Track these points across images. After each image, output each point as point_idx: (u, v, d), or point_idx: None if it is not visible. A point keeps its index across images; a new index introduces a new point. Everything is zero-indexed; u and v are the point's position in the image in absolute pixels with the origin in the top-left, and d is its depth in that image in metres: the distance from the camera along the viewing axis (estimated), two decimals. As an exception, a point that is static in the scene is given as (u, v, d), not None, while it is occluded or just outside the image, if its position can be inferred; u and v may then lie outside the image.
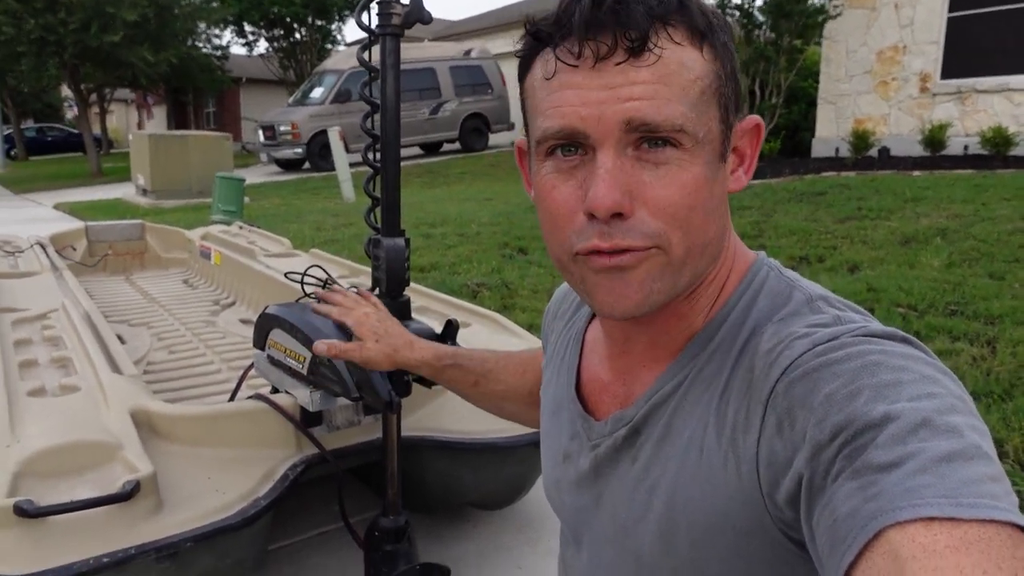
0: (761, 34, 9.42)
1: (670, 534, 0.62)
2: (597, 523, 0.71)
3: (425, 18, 1.33)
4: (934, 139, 8.76)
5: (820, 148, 10.31)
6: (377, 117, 1.44)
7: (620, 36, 0.55)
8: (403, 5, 1.33)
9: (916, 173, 7.89)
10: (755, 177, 8.51)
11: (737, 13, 9.36)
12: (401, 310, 1.45)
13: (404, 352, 1.04)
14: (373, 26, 1.39)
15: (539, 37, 0.60)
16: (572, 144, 0.58)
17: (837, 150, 9.82)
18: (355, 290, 1.22)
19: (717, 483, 0.58)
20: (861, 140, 9.15)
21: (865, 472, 0.44)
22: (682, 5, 0.57)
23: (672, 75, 0.56)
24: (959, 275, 4.19)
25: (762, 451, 0.54)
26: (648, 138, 0.56)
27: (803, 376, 0.52)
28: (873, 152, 9.20)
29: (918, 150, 9.06)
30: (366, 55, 1.45)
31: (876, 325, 0.56)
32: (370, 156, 1.51)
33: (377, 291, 1.48)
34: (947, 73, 9.26)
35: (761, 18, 9.39)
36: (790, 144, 11.98)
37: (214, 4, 18.93)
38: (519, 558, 1.99)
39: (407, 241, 1.44)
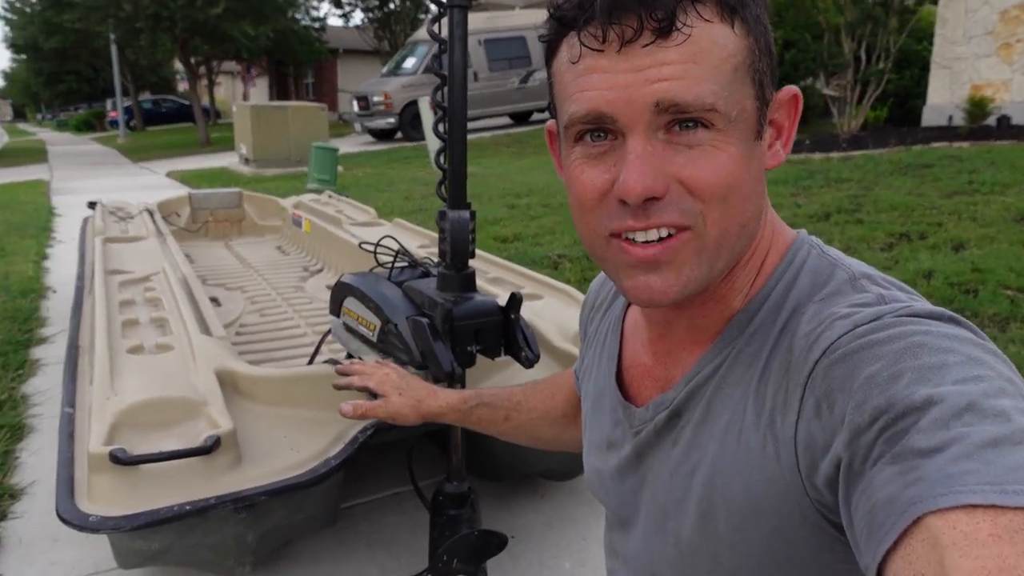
0: (871, -7, 8.83)
1: (709, 517, 0.62)
2: (642, 507, 0.72)
3: (492, -9, 1.33)
4: (1063, 106, 8.03)
5: (931, 116, 9.64)
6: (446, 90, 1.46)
7: (646, 18, 0.53)
8: (471, -22, 1.33)
9: (1040, 144, 7.27)
10: (856, 147, 8.08)
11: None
12: (465, 282, 1.48)
13: (428, 402, 1.07)
14: None
15: (563, 21, 0.58)
16: (600, 129, 0.57)
17: (950, 118, 9.15)
18: (376, 360, 1.32)
19: (755, 466, 0.58)
20: (978, 108, 8.49)
21: (906, 457, 0.43)
22: None
23: (703, 53, 0.54)
24: (1080, 256, 3.86)
25: (800, 434, 0.53)
26: (679, 120, 0.55)
27: (843, 358, 0.51)
28: (991, 121, 8.52)
29: (1044, 119, 8.33)
30: (436, 27, 1.47)
31: (922, 304, 0.54)
32: (441, 128, 1.53)
33: (443, 264, 1.50)
34: (1082, 33, 8.44)
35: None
36: (900, 112, 11.22)
37: None
38: (584, 530, 2.01)
39: (472, 213, 1.46)
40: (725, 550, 0.61)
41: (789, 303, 0.61)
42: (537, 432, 1.04)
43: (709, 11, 0.54)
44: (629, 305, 0.80)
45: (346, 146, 13.52)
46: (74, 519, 1.30)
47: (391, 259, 1.77)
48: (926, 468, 0.42)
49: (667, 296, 0.59)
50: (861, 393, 0.48)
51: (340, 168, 9.37)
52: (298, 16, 20.30)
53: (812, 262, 0.63)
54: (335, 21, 23.09)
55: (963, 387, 0.45)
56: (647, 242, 0.57)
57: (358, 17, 22.66)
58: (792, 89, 0.63)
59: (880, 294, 0.56)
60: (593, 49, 0.55)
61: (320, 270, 3.57)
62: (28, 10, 21.34)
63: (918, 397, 0.45)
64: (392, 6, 21.93)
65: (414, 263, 1.79)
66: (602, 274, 0.89)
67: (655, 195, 0.55)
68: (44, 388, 3.05)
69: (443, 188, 1.56)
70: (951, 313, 0.52)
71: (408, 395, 1.09)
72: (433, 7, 1.44)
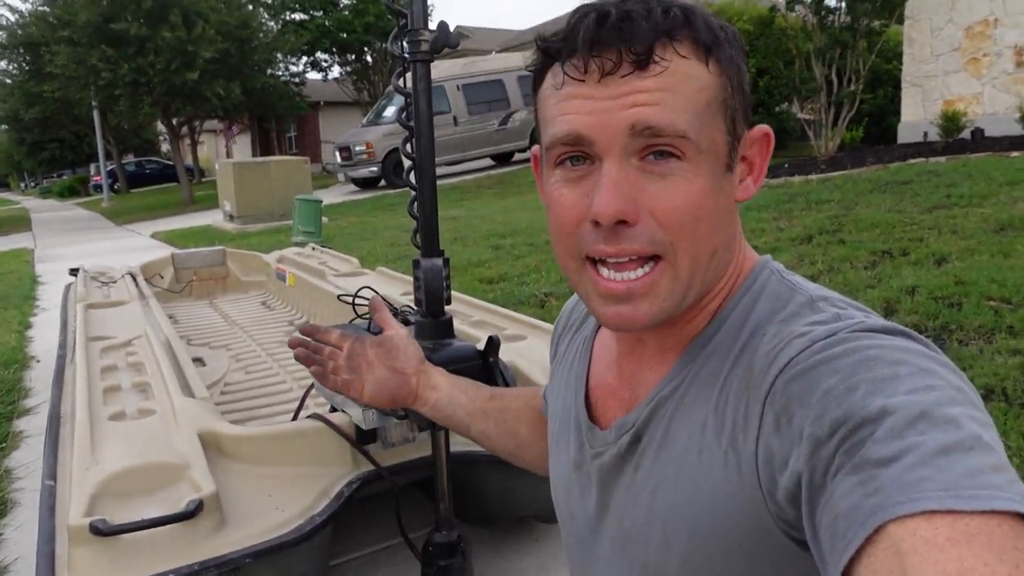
0: (836, 19, 9.05)
1: (673, 538, 0.62)
2: (605, 533, 0.72)
3: (452, 43, 1.35)
4: (1032, 116, 8.20)
5: (907, 134, 9.82)
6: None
7: (625, 52, 0.57)
8: (431, 32, 1.36)
9: (1014, 154, 7.39)
10: (835, 168, 8.20)
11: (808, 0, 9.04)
12: (442, 329, 1.47)
13: (428, 365, 1.03)
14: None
15: (549, 53, 0.62)
16: (580, 154, 0.60)
17: (925, 135, 9.32)
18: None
19: (717, 483, 0.58)
20: (951, 122, 8.66)
21: (864, 467, 0.44)
22: (688, 20, 0.59)
23: (678, 84, 0.57)
24: (1059, 262, 3.90)
25: (761, 449, 0.54)
26: (653, 149, 0.58)
27: (801, 373, 0.52)
28: (966, 135, 8.69)
29: (1016, 129, 8.50)
30: (401, 82, 1.49)
31: (875, 320, 0.56)
32: (412, 178, 1.55)
33: (419, 312, 1.50)
34: (1045, 44, 8.66)
35: (834, 2, 9.02)
36: (876, 131, 11.41)
37: (289, 37, 19.69)
38: (580, 571, 1.97)
39: (446, 261, 1.47)
40: (688, 570, 0.61)
41: (749, 325, 0.63)
42: (516, 428, 0.98)
43: (685, 48, 0.58)
44: (600, 326, 0.81)
45: (330, 196, 13.60)
46: (53, 596, 1.27)
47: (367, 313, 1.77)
48: (884, 477, 0.43)
49: (640, 323, 0.61)
50: (820, 406, 0.49)
51: (325, 219, 9.41)
52: (277, 73, 20.56)
53: (773, 286, 0.65)
54: (315, 75, 23.37)
55: (915, 396, 0.46)
56: (619, 264, 0.60)
57: (336, 71, 22.98)
58: (764, 128, 0.66)
59: (836, 313, 0.58)
60: (575, 79, 0.59)
61: (306, 323, 3.56)
62: (9, 81, 21.55)
63: (873, 408, 0.46)
64: (369, 59, 22.29)
65: (393, 312, 1.79)
66: (575, 295, 0.91)
67: (625, 218, 0.58)
68: (27, 461, 3.00)
69: (417, 236, 1.57)
70: (903, 328, 0.54)
71: (416, 346, 1.03)
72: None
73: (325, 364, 1.04)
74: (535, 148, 0.72)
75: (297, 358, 1.07)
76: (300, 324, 3.56)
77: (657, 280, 0.60)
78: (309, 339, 1.07)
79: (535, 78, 0.65)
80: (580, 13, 0.59)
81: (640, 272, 0.60)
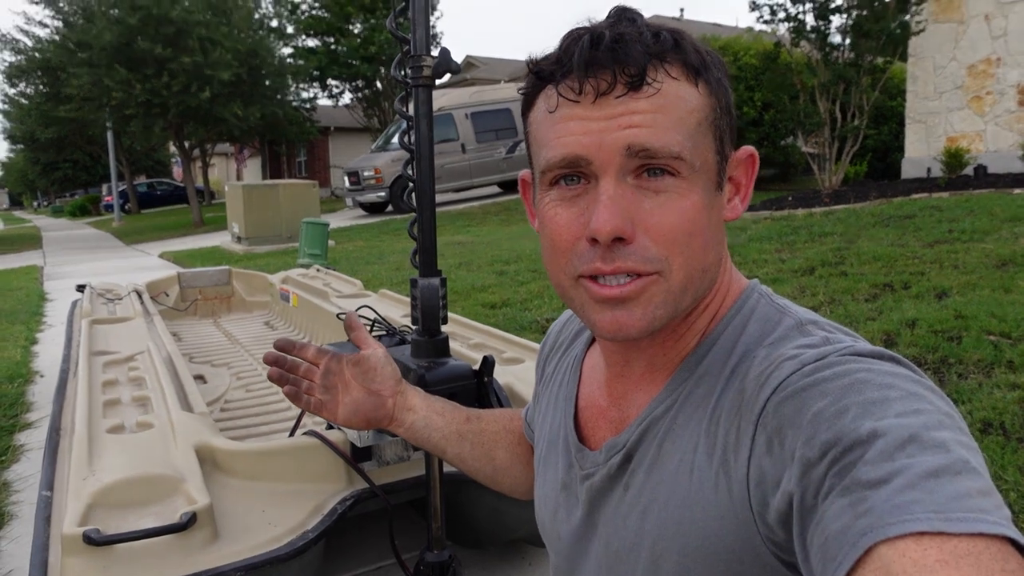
0: (840, 55, 9.16)
1: (661, 560, 0.62)
2: (592, 553, 0.72)
3: (453, 68, 1.39)
4: (1036, 154, 8.24)
5: (910, 169, 9.88)
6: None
7: (619, 72, 0.58)
8: (433, 58, 1.40)
9: (1016, 191, 7.42)
10: (838, 202, 8.24)
11: (813, 36, 9.15)
12: (438, 348, 1.50)
13: (405, 385, 0.98)
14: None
15: (541, 76, 0.63)
16: (574, 174, 0.61)
17: (929, 170, 9.38)
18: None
19: (708, 504, 0.59)
20: (954, 159, 8.71)
21: (855, 489, 0.45)
22: (677, 44, 0.60)
23: (670, 106, 0.59)
24: (1060, 298, 3.90)
25: (752, 470, 0.55)
26: (647, 167, 0.59)
27: (792, 395, 0.53)
28: (969, 171, 8.74)
29: (1019, 166, 8.55)
30: (403, 106, 1.53)
31: (864, 344, 0.57)
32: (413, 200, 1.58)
33: (415, 330, 1.53)
34: (1048, 84, 8.74)
35: (838, 39, 9.14)
36: (881, 166, 11.48)
37: (299, 62, 19.99)
38: (572, 595, 1.97)
39: (443, 281, 1.49)
40: None
41: (739, 347, 0.64)
42: (493, 452, 0.97)
43: (676, 70, 0.60)
44: (589, 347, 0.81)
45: (338, 220, 13.69)
46: (44, 605, 1.28)
47: (368, 328, 1.79)
48: (874, 499, 0.43)
49: (635, 329, 0.61)
50: (810, 428, 0.50)
51: (331, 242, 9.48)
52: (288, 98, 20.81)
53: (762, 309, 0.66)
54: (325, 101, 23.64)
55: (905, 420, 0.47)
56: (616, 274, 0.60)
57: (347, 97, 23.21)
58: (749, 149, 0.68)
59: (825, 337, 0.59)
60: (569, 100, 0.60)
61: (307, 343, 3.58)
62: (26, 102, 21.88)
63: (864, 430, 0.47)
64: (379, 85, 22.55)
65: (391, 331, 1.81)
66: (563, 315, 0.91)
67: (623, 235, 0.59)
68: (27, 474, 3.02)
69: (416, 258, 1.60)
70: (891, 353, 0.55)
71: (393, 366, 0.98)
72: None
73: (299, 384, 0.98)
74: (524, 173, 0.73)
75: (270, 378, 0.99)
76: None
77: (649, 287, 0.60)
78: (284, 355, 0.99)
79: (526, 102, 0.66)
80: (573, 36, 0.61)
81: (634, 276, 0.60)
